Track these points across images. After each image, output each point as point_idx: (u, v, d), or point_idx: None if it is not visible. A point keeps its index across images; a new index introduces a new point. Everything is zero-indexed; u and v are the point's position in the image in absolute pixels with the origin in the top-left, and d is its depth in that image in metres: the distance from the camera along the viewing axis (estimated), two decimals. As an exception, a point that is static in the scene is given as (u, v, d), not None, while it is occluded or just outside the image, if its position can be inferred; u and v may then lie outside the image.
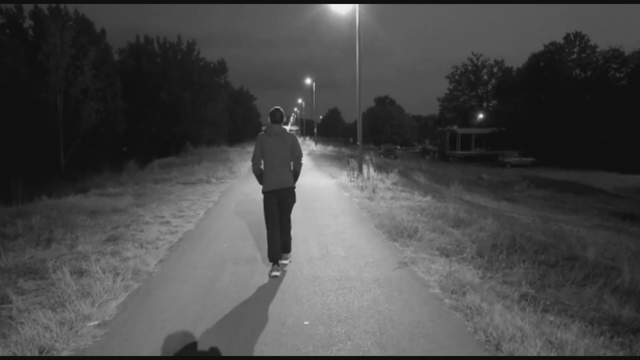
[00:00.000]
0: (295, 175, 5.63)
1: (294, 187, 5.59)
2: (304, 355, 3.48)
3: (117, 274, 5.02)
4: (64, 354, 3.49)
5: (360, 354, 3.47)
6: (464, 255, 5.83)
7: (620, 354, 3.53)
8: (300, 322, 3.98)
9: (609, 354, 3.49)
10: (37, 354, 3.41)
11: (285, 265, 5.60)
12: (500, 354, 3.43)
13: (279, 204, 5.47)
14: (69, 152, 30.77)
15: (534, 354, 3.34)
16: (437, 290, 4.70)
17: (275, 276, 5.21)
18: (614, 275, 5.13)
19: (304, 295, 4.61)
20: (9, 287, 4.68)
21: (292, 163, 5.56)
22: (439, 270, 5.24)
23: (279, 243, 5.42)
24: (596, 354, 3.42)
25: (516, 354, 3.37)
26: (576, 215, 16.58)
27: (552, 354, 3.37)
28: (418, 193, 11.75)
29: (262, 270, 5.43)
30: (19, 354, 3.39)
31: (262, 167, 5.51)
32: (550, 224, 9.72)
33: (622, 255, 7.38)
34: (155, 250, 6.23)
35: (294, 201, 5.63)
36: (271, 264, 5.36)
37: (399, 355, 3.49)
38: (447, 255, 5.83)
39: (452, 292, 4.58)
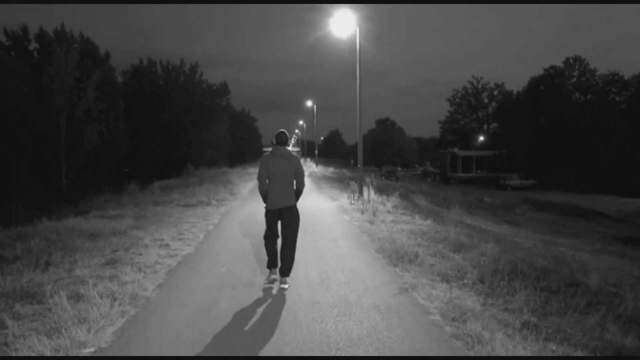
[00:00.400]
0: (298, 194, 5.94)
1: (295, 206, 5.86)
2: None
3: (115, 299, 4.97)
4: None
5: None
6: (465, 281, 5.78)
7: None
8: (299, 351, 3.92)
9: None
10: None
11: (284, 289, 5.58)
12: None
13: (281, 221, 5.81)
14: (71, 173, 30.85)
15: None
16: (437, 318, 4.65)
17: (274, 279, 5.71)
18: (617, 302, 5.08)
19: (302, 322, 4.55)
20: (6, 312, 4.64)
21: (295, 182, 5.88)
22: (439, 296, 5.18)
23: (275, 252, 5.83)
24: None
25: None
26: (578, 239, 16.50)
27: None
28: (419, 216, 11.72)
29: (260, 295, 5.38)
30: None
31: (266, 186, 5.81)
32: (551, 248, 9.66)
33: (625, 281, 7.32)
34: (154, 275, 6.19)
35: (297, 220, 5.85)
36: (269, 270, 5.85)
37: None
38: (447, 281, 5.78)
39: (452, 320, 4.52)
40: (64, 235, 8.56)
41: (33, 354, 3.65)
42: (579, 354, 3.81)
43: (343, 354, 3.83)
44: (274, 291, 5.53)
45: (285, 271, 5.70)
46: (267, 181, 5.77)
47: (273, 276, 5.76)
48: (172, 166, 43.00)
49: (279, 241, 5.89)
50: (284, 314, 4.80)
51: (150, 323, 4.53)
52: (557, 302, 5.05)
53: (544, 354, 3.75)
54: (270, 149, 5.89)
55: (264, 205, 5.86)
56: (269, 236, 5.83)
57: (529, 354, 3.71)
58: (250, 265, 6.74)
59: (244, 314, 4.81)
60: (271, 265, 5.82)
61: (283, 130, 5.86)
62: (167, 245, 8.16)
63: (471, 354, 3.83)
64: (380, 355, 3.82)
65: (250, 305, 5.06)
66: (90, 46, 40.58)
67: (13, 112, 28.71)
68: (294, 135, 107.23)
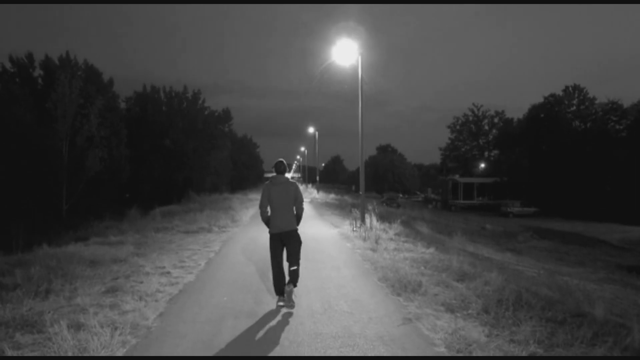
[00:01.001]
0: (298, 218, 6.40)
1: (296, 230, 6.32)
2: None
3: (115, 329, 4.91)
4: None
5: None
6: (470, 311, 5.72)
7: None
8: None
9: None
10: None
11: (292, 300, 6.01)
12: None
13: (284, 244, 6.24)
14: (71, 199, 30.80)
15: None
16: (442, 349, 4.58)
17: (281, 306, 6.00)
18: (624, 333, 5.00)
19: (305, 353, 4.49)
20: (5, 342, 4.58)
21: (294, 208, 6.34)
22: (444, 327, 5.12)
23: (282, 278, 6.17)
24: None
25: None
26: (581, 267, 16.35)
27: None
28: (421, 244, 11.65)
29: (263, 326, 5.31)
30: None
31: (268, 213, 6.29)
32: (556, 277, 9.57)
33: (631, 312, 7.23)
34: (155, 303, 6.13)
35: (299, 242, 6.33)
36: (277, 296, 6.16)
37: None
38: (452, 311, 5.72)
39: (458, 351, 4.46)
40: (64, 262, 8.50)
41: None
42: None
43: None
44: (276, 321, 5.47)
45: (294, 280, 6.18)
46: (268, 208, 6.27)
47: (280, 303, 6.05)
48: (173, 192, 43.02)
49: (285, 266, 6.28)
50: (287, 345, 4.73)
51: (150, 354, 4.47)
52: (564, 333, 4.98)
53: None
54: (272, 174, 6.28)
55: (268, 230, 6.31)
56: (275, 262, 6.21)
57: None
58: (253, 295, 6.68)
59: (246, 345, 4.75)
60: (278, 291, 6.16)
61: (281, 159, 6.34)
62: (168, 273, 8.10)
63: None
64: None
65: (253, 336, 4.99)
66: (94, 73, 41.09)
67: (16, 138, 28.86)
68: (295, 162, 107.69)
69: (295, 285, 6.20)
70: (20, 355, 4.13)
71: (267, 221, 6.32)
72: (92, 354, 4.26)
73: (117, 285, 6.92)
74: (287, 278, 6.20)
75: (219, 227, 15.67)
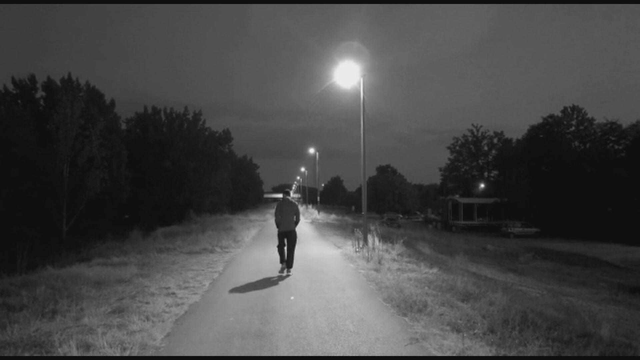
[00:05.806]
0: (296, 223, 10.90)
1: (295, 230, 10.84)
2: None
3: (124, 349, 4.94)
4: None
5: None
6: (476, 331, 5.72)
7: None
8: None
9: None
10: None
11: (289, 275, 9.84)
12: None
13: (286, 239, 10.66)
14: (72, 220, 30.75)
15: None
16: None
17: (281, 273, 10.30)
18: (630, 353, 5.03)
19: (315, 373, 4.50)
20: (14, 362, 4.60)
21: (294, 217, 10.86)
22: (451, 346, 5.13)
23: (284, 254, 10.63)
24: None
25: None
26: (584, 288, 16.32)
27: None
28: (424, 264, 11.65)
29: (270, 347, 5.32)
30: None
31: (279, 219, 10.76)
32: (560, 298, 9.58)
33: (636, 332, 7.24)
34: (162, 324, 6.14)
35: (295, 237, 10.82)
36: (280, 265, 10.72)
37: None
38: (458, 331, 5.72)
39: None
40: (69, 282, 8.54)
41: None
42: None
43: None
44: (285, 342, 5.47)
45: (290, 265, 10.53)
46: (280, 216, 10.71)
47: (282, 273, 10.33)
48: (174, 213, 42.96)
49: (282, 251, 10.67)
50: (295, 364, 4.74)
51: (160, 374, 4.48)
52: (570, 353, 5.00)
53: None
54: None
55: (278, 230, 10.79)
56: (280, 246, 10.68)
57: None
58: (259, 315, 6.68)
59: (255, 364, 4.75)
60: (282, 261, 10.63)
61: (287, 189, 11.42)
62: (173, 293, 8.12)
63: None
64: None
65: (260, 356, 5.00)
66: (96, 94, 41.37)
67: (18, 160, 28.96)
68: (295, 182, 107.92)
69: (291, 266, 10.52)
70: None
71: (278, 223, 10.77)
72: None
73: (123, 306, 6.94)
74: (285, 262, 10.58)
75: (221, 247, 15.66)
